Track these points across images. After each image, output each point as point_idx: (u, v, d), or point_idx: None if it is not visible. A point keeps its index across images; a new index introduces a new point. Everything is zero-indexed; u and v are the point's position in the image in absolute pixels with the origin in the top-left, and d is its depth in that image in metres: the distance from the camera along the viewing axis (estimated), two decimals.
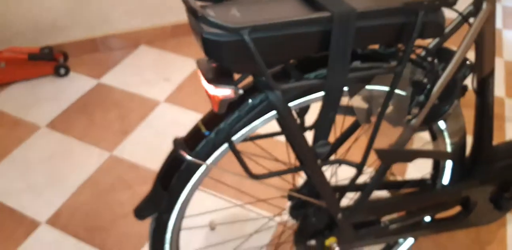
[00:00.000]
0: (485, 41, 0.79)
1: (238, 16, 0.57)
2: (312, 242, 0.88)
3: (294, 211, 0.92)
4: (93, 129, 1.65)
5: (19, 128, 1.65)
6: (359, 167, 0.77)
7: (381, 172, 0.81)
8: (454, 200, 1.01)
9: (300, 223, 0.89)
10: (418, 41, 0.67)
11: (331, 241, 0.88)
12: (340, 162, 0.77)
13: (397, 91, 0.74)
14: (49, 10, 1.83)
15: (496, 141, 1.65)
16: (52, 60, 1.82)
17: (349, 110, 0.82)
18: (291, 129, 0.66)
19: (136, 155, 1.55)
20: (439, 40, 0.79)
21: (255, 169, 1.45)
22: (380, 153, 0.76)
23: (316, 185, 0.76)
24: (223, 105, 0.62)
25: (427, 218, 1.05)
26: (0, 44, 1.83)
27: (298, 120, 0.80)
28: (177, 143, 0.70)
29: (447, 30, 0.79)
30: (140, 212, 0.75)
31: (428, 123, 0.78)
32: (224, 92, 0.60)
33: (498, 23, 2.35)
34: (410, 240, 1.12)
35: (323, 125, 0.68)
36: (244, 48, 0.55)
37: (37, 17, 1.83)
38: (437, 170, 0.96)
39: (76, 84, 1.85)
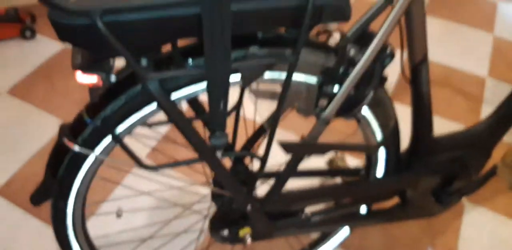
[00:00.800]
0: (414, 24, 0.72)
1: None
2: (226, 231, 0.85)
3: (215, 198, 0.89)
4: (53, 96, 1.61)
5: None
6: (263, 159, 0.72)
7: (292, 165, 0.76)
8: (389, 192, 0.97)
9: (216, 211, 0.86)
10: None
11: (245, 231, 0.85)
12: (243, 154, 0.72)
13: (306, 79, 0.68)
14: None
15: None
16: (18, 22, 1.76)
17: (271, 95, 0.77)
18: (176, 120, 0.61)
19: None
20: (361, 24, 0.72)
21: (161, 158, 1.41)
22: (285, 146, 0.71)
23: (218, 177, 0.72)
24: (93, 93, 0.57)
25: (363, 209, 1.01)
26: None
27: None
28: (62, 129, 0.66)
29: (371, 12, 0.72)
30: (34, 198, 0.72)
31: (343, 115, 0.73)
32: (91, 79, 0.55)
33: None
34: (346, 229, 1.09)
35: (215, 115, 0.63)
36: (99, 33, 0.49)
37: None
38: (370, 160, 0.91)
39: (42, 48, 1.79)
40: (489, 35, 1.99)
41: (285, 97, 0.64)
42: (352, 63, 0.68)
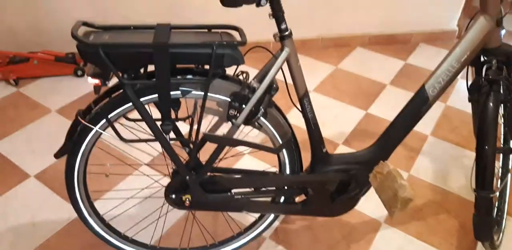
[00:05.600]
0: (293, 72, 1.19)
1: (106, 38, 1.02)
2: (173, 196, 1.29)
3: (172, 174, 1.33)
4: None
5: (36, 110, 2.20)
6: (194, 143, 1.18)
7: (217, 151, 1.21)
8: (294, 188, 1.37)
9: (170, 182, 1.29)
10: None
11: (186, 197, 1.28)
12: (178, 139, 1.19)
13: (221, 98, 1.15)
14: None
15: (405, 169, 1.98)
16: (73, 64, 2.37)
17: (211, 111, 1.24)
18: (142, 114, 1.09)
19: None
20: (263, 70, 1.19)
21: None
22: (208, 137, 1.17)
23: (167, 152, 1.18)
24: (96, 90, 1.07)
25: (282, 199, 1.41)
26: (37, 47, 2.42)
27: (173, 112, 1.22)
28: (78, 111, 1.16)
29: (268, 64, 1.18)
30: (57, 154, 1.21)
31: (247, 123, 1.18)
32: (95, 81, 1.05)
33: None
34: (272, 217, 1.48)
35: (164, 111, 1.11)
36: (101, 57, 0.99)
37: (67, 27, 2.40)
38: (280, 160, 1.34)
39: (87, 84, 2.39)
40: (442, 104, 2.42)
41: (204, 106, 1.11)
42: (253, 91, 1.15)
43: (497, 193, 1.67)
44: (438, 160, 2.06)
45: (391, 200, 1.26)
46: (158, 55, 1.00)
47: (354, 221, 1.74)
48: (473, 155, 2.09)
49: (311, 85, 2.53)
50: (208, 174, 1.32)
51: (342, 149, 2.09)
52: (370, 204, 1.80)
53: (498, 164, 1.71)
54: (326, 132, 2.19)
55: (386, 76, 2.66)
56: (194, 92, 1.12)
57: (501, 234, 1.63)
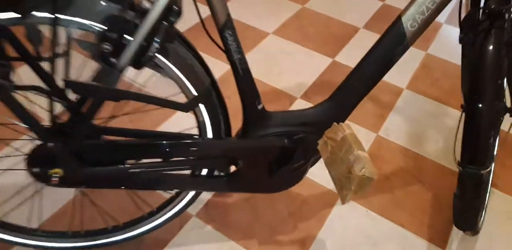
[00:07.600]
0: None
1: None
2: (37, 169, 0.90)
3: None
4: None
5: None
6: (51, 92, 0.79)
7: (93, 107, 0.82)
8: (218, 157, 1.00)
9: (35, 148, 0.89)
10: None
11: (56, 171, 0.89)
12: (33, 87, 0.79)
13: (90, 23, 0.75)
14: None
15: (373, 129, 1.64)
16: None
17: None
18: None
19: None
20: None
21: None
22: (71, 85, 0.77)
23: (6, 105, 0.77)
24: None
25: (204, 172, 1.05)
26: None
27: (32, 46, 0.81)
28: None
29: None
30: None
31: (138, 65, 0.79)
32: None
33: (442, 17, 2.27)
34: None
35: None
36: None
37: None
38: (198, 121, 0.95)
39: None
40: (422, 53, 2.04)
41: (56, 36, 0.71)
42: (143, 14, 0.75)
43: (492, 167, 1.33)
44: (414, 118, 1.71)
45: (344, 177, 0.90)
46: None
47: (306, 193, 1.41)
48: (455, 113, 1.75)
49: (271, 27, 2.11)
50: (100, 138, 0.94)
51: (300, 105, 1.72)
52: (325, 172, 1.46)
53: None
54: (283, 83, 1.81)
55: (360, 18, 2.25)
56: (39, 14, 0.71)
57: (483, 213, 1.32)
